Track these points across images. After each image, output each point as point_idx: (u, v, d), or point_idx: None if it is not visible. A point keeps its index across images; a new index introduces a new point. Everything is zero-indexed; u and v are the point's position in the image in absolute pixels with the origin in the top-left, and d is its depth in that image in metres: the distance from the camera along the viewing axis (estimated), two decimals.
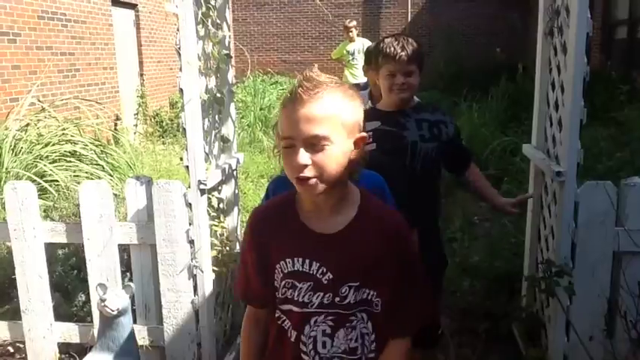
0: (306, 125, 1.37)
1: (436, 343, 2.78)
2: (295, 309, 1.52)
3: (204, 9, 2.93)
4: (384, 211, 1.59)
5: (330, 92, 1.41)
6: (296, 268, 1.50)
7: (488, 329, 3.38)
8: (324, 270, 1.48)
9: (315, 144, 1.38)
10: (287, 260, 1.51)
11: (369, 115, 2.13)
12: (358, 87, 8.01)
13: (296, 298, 1.51)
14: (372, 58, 2.82)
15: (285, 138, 1.41)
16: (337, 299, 1.49)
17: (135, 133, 9.54)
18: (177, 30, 2.67)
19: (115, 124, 9.30)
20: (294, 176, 1.41)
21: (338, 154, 1.41)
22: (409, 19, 15.90)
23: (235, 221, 3.42)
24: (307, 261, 1.49)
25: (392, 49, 2.43)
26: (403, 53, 2.42)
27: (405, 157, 2.46)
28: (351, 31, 9.58)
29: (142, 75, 10.82)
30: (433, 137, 2.50)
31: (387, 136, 2.41)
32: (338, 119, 1.40)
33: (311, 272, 1.49)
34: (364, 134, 1.49)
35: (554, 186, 2.85)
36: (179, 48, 2.67)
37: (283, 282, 1.53)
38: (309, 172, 1.38)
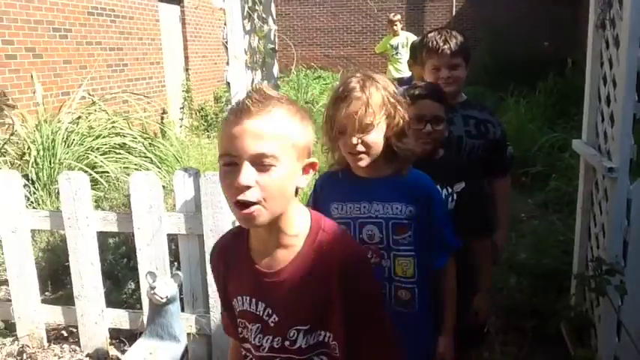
0: (252, 141, 1.18)
1: (482, 342, 2.73)
2: (253, 351, 1.39)
3: (250, 3, 2.96)
4: (336, 242, 1.34)
5: (281, 108, 1.24)
6: (245, 308, 1.37)
7: (535, 328, 3.34)
8: (270, 311, 1.33)
9: (259, 163, 1.19)
10: (238, 298, 1.38)
11: None
12: (402, 82, 7.96)
13: (251, 340, 1.38)
14: (417, 53, 2.80)
15: (225, 155, 1.21)
16: (287, 343, 1.33)
17: (181, 126, 9.70)
18: (225, 24, 2.71)
19: (162, 118, 9.48)
20: (232, 200, 1.20)
21: (284, 177, 1.22)
22: (454, 12, 15.67)
23: None
24: (254, 300, 1.35)
25: (435, 42, 2.41)
26: (446, 46, 2.38)
27: (450, 152, 2.36)
28: (395, 25, 9.48)
29: (187, 70, 10.99)
30: (480, 134, 2.43)
31: None
32: (288, 139, 1.23)
33: (257, 313, 1.35)
34: (315, 160, 1.32)
35: (605, 183, 2.78)
36: (226, 42, 2.71)
37: (238, 320, 1.41)
38: (251, 196, 1.18)
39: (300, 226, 1.33)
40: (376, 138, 1.74)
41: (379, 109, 1.71)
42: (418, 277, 1.82)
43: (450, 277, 1.92)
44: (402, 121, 1.77)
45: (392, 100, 1.75)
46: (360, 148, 1.75)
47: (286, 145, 1.22)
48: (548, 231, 4.52)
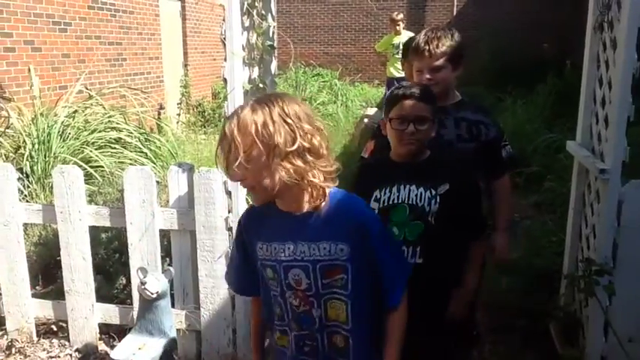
0: None
1: (471, 345, 2.67)
2: None
3: (249, 0, 2.96)
4: None
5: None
6: None
7: (525, 327, 3.34)
8: None
9: None
10: None
11: None
12: (403, 81, 7.92)
13: None
14: (406, 52, 2.81)
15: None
16: None
17: (178, 122, 9.70)
18: (223, 20, 2.70)
19: (159, 113, 9.48)
20: None
21: None
22: (454, 12, 15.68)
23: None
24: None
25: (417, 44, 2.37)
26: (427, 48, 2.34)
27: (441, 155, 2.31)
28: (398, 25, 9.39)
29: (186, 65, 10.98)
30: (472, 137, 2.38)
31: None
32: None
33: None
34: None
35: (597, 184, 2.79)
36: (224, 38, 2.71)
37: None
38: None
39: None
40: (249, 176, 1.50)
41: (247, 143, 1.46)
42: (353, 325, 1.63)
43: (402, 317, 1.69)
44: (304, 143, 1.49)
45: (272, 126, 1.46)
46: (246, 185, 1.56)
47: None
48: (541, 231, 4.53)
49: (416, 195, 2.05)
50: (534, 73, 10.03)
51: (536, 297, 3.52)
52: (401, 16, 9.56)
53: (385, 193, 2.09)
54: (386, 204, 2.08)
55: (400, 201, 2.07)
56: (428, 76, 2.35)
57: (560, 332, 3.17)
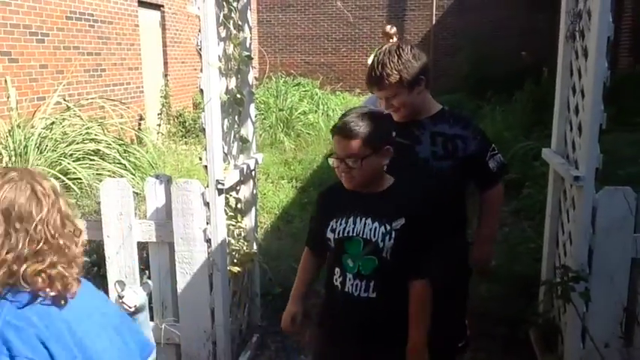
0: None
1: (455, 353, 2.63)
2: None
3: (225, 10, 2.97)
4: None
5: None
6: None
7: (505, 334, 3.36)
8: None
9: None
10: None
11: (388, 124, 2.07)
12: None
13: None
14: None
15: None
16: None
17: (158, 132, 9.65)
18: (199, 31, 2.70)
19: (139, 124, 9.42)
20: None
21: None
22: (434, 21, 15.82)
23: (253, 221, 3.45)
24: None
25: (368, 77, 2.32)
26: (376, 81, 2.27)
27: (419, 175, 2.21)
28: (392, 38, 8.63)
29: (166, 75, 10.94)
30: (448, 154, 2.28)
31: (400, 150, 2.16)
32: None
33: None
34: None
35: (572, 191, 2.82)
36: (200, 49, 2.71)
37: None
38: None
39: None
40: None
41: None
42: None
43: None
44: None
45: None
46: None
47: None
48: (520, 238, 4.57)
49: (370, 229, 1.99)
50: (513, 81, 10.14)
51: (515, 304, 3.55)
52: (394, 29, 8.96)
53: (341, 224, 2.03)
54: (341, 235, 2.03)
55: (355, 234, 2.01)
56: (386, 104, 2.30)
57: (540, 339, 3.20)
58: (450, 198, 2.32)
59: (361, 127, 1.95)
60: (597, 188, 2.65)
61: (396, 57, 2.24)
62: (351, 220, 2.03)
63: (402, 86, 2.25)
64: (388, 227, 1.97)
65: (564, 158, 3.05)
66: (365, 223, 2.00)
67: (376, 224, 1.98)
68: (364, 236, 1.99)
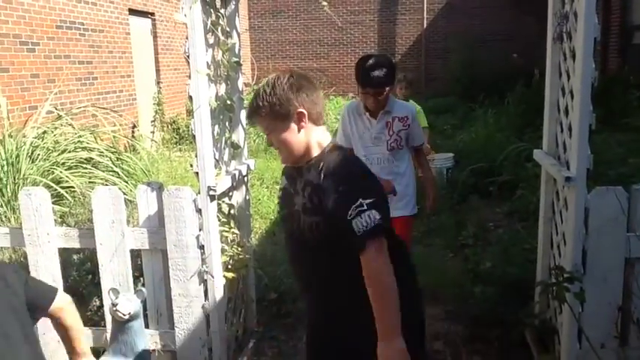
0: None
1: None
2: None
3: (213, 17, 2.96)
4: None
5: None
6: None
7: (501, 336, 3.37)
8: None
9: None
10: None
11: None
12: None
13: None
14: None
15: None
16: None
17: (152, 140, 9.64)
18: (187, 38, 2.70)
19: (133, 132, 9.40)
20: None
21: None
22: (425, 25, 15.88)
23: (246, 227, 3.44)
24: None
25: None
26: (248, 115, 2.09)
27: (295, 230, 2.02)
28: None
29: (159, 83, 10.94)
30: (314, 209, 1.93)
31: (283, 198, 2.09)
32: None
33: None
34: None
35: (565, 192, 2.83)
36: (188, 56, 2.70)
37: None
38: None
39: None
40: None
41: None
42: None
43: None
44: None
45: None
46: None
47: None
48: (514, 240, 4.58)
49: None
50: (505, 83, 10.20)
51: (510, 305, 3.55)
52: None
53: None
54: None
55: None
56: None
57: (536, 340, 3.20)
58: (329, 261, 1.97)
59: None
60: (589, 188, 2.66)
61: (270, 87, 1.97)
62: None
63: (275, 120, 1.97)
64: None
65: (556, 159, 3.06)
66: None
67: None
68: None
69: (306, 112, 1.95)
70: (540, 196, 3.32)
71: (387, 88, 3.30)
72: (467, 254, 4.68)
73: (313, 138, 2.00)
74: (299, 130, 1.97)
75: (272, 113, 1.95)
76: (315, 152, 2.00)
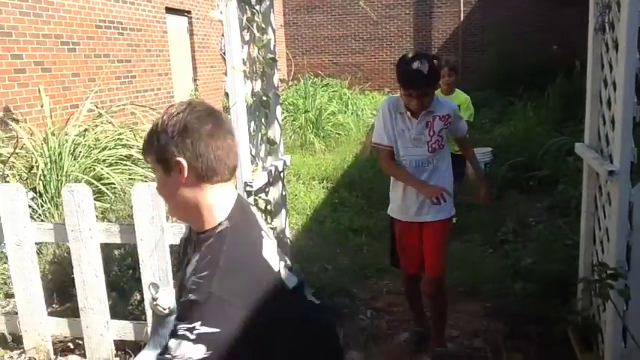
0: None
1: None
2: None
3: (248, 14, 2.98)
4: None
5: None
6: None
7: (542, 334, 3.31)
8: None
9: None
10: None
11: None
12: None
13: None
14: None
15: None
16: None
17: None
18: (222, 35, 2.72)
19: None
20: None
21: None
22: (461, 17, 15.66)
23: (283, 223, 3.45)
24: None
25: None
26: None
27: None
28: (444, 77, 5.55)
29: (195, 80, 11.07)
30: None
31: (182, 251, 1.70)
32: None
33: None
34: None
35: (607, 186, 2.76)
36: (224, 53, 2.72)
37: None
38: None
39: None
40: None
41: None
42: None
43: None
44: None
45: None
46: None
47: None
48: (555, 235, 4.49)
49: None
50: (544, 76, 9.98)
51: (551, 302, 3.49)
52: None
53: None
54: None
55: None
56: None
57: (579, 337, 3.12)
58: None
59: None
60: (633, 182, 2.58)
61: (161, 122, 1.46)
62: None
63: (158, 164, 1.47)
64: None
65: (598, 153, 2.98)
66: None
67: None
68: None
69: (185, 165, 1.41)
70: (582, 191, 3.24)
71: (432, 90, 3.09)
72: (506, 250, 4.60)
73: (202, 201, 1.45)
74: (181, 186, 1.44)
75: (155, 155, 1.46)
76: (208, 224, 1.46)
